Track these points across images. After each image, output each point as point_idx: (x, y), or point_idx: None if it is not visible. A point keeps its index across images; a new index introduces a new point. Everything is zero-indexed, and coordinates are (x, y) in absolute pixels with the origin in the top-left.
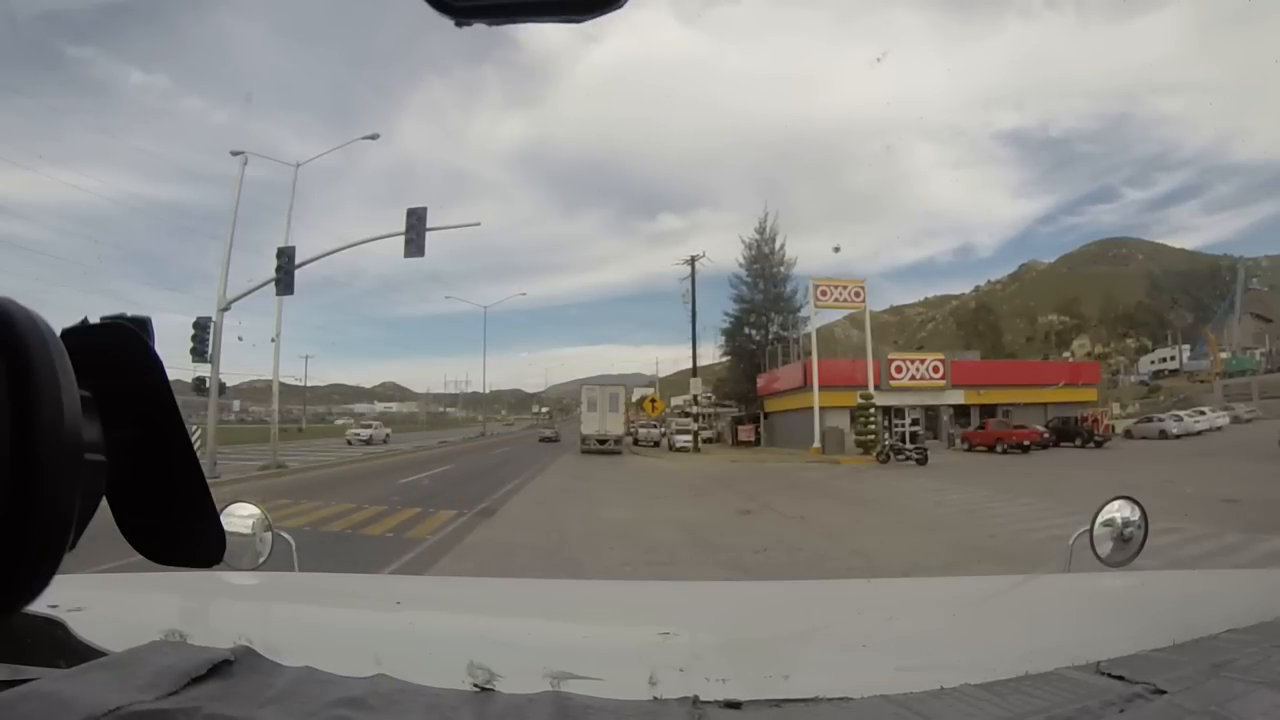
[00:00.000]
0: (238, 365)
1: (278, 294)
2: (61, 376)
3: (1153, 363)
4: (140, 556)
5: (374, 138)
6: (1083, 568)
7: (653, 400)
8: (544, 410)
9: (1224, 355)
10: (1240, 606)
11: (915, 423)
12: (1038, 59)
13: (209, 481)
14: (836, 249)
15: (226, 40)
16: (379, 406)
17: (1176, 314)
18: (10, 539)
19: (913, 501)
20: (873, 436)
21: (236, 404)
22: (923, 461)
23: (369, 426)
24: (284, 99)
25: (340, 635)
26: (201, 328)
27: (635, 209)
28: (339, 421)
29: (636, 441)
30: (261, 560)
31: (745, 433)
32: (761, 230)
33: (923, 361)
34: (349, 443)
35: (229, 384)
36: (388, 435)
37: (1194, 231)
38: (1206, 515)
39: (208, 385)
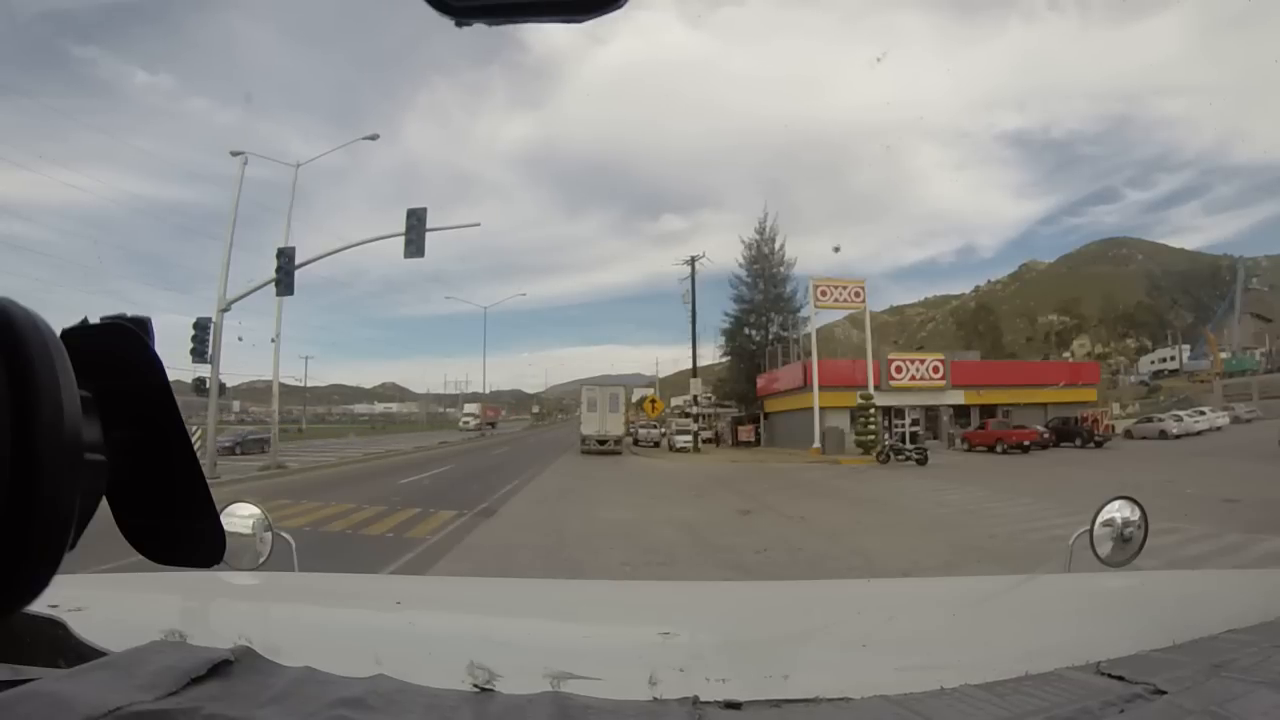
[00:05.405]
0: (238, 366)
1: (278, 294)
2: (61, 376)
3: (1153, 363)
4: (140, 556)
5: (374, 138)
6: (1083, 568)
7: (653, 401)
8: (471, 414)
9: (1224, 355)
10: (1240, 606)
11: (915, 423)
12: (1040, 61)
13: (209, 482)
14: (836, 249)
15: (231, 41)
16: (379, 407)
17: (1176, 314)
18: (10, 539)
19: (913, 502)
20: (873, 437)
21: (236, 404)
22: (923, 462)
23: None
24: (289, 100)
25: (340, 635)
26: (202, 328)
27: (638, 209)
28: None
29: (636, 442)
30: (261, 560)
31: (745, 433)
32: (761, 230)
33: (923, 362)
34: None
35: (229, 384)
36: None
37: (1194, 232)
38: (1206, 515)
39: (208, 385)
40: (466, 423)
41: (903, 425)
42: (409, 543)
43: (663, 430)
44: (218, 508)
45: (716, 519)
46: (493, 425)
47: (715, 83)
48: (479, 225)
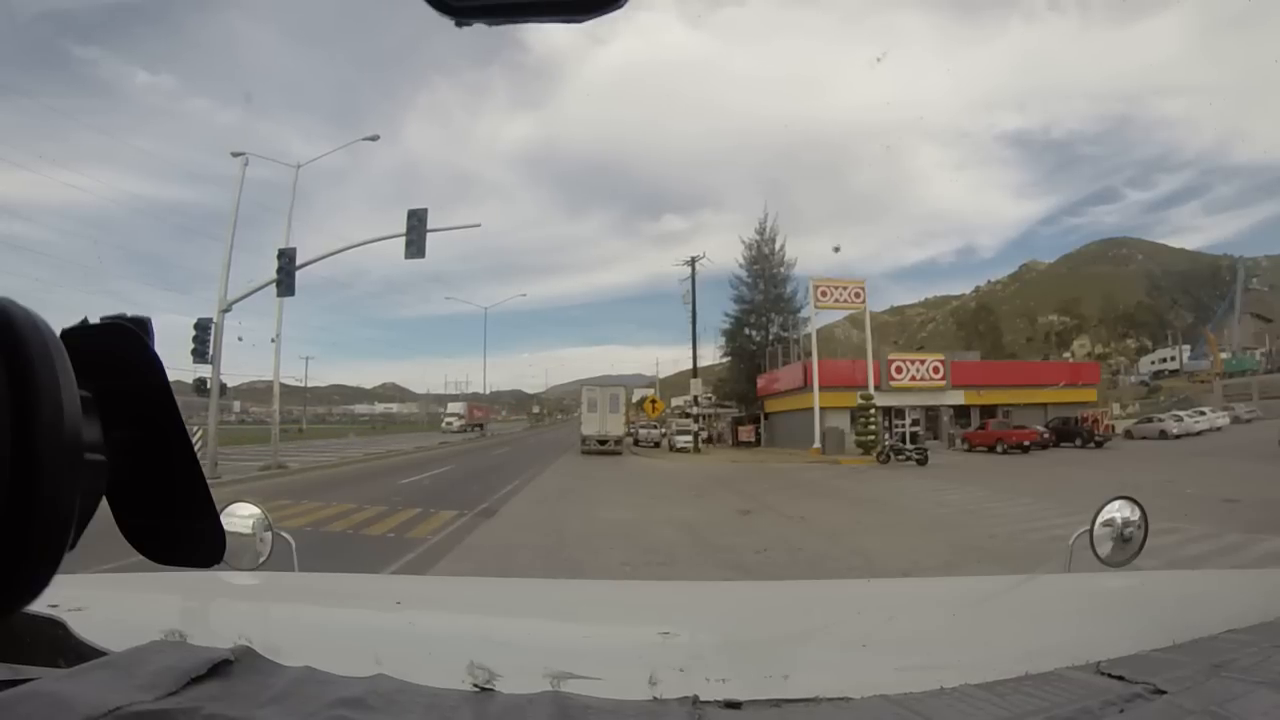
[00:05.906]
0: (238, 366)
1: (278, 295)
2: (61, 376)
3: (1153, 363)
4: (140, 556)
5: (374, 139)
6: (1083, 568)
7: (653, 401)
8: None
9: (1224, 355)
10: (1240, 606)
11: (915, 423)
12: (1040, 61)
13: (209, 482)
14: (836, 249)
15: (231, 41)
16: (379, 407)
17: (1176, 314)
18: (10, 539)
19: (913, 502)
20: (873, 437)
21: (237, 405)
22: (923, 462)
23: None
24: (289, 100)
25: (340, 635)
26: (202, 329)
27: (639, 210)
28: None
29: (637, 442)
30: (261, 560)
31: (745, 433)
32: (762, 231)
33: (923, 362)
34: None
35: (229, 385)
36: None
37: (1195, 232)
38: (1206, 515)
39: (208, 386)
40: (450, 424)
41: (903, 425)
42: (409, 543)
43: (663, 430)
44: (218, 508)
45: (716, 519)
46: (481, 427)
47: (715, 83)
48: (479, 226)
